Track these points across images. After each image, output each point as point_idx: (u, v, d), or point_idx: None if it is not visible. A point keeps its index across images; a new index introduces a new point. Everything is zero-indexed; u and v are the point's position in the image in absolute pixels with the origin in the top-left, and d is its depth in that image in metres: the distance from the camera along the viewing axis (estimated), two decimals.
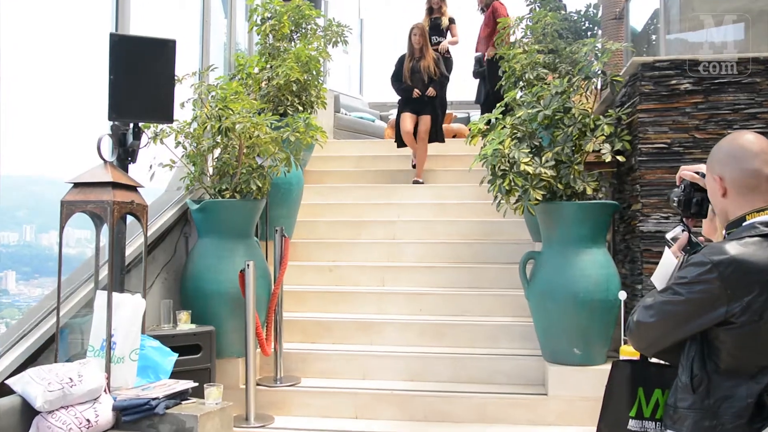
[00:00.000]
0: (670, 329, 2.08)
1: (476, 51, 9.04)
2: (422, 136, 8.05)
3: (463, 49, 9.49)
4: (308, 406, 5.24)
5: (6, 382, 3.64)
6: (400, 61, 8.32)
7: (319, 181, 8.05)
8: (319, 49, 7.46)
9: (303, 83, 7.10)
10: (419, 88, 8.09)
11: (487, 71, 8.82)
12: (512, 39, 7.01)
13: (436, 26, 9.00)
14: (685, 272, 2.04)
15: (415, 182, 7.99)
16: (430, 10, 9.13)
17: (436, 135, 8.21)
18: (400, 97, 8.36)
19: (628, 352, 4.42)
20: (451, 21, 9.12)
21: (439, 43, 8.89)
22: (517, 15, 7.20)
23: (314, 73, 7.25)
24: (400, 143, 8.24)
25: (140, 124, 4.69)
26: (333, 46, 7.98)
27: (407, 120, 8.13)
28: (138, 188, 4.46)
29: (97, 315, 4.10)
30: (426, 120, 8.10)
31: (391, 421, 5.09)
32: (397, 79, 8.31)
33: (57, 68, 4.84)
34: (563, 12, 7.62)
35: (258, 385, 5.27)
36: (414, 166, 8.23)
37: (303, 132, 6.02)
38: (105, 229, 4.25)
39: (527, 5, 7.79)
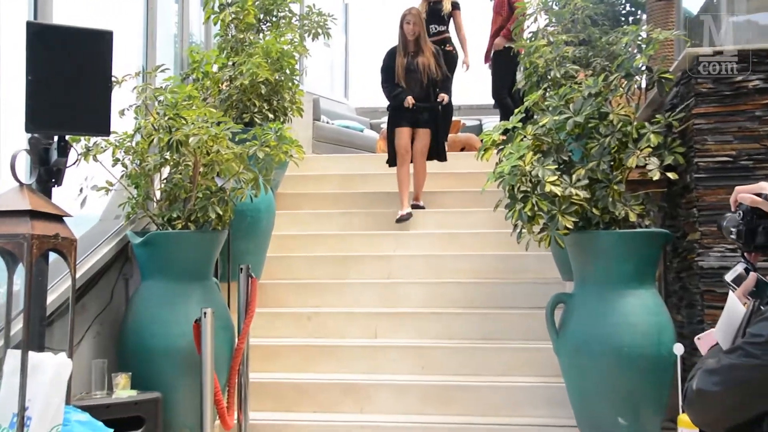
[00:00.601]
0: (742, 402, 2.01)
1: (488, 48, 9.09)
2: (419, 154, 7.90)
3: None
4: None
5: None
6: (391, 56, 8.09)
7: (295, 207, 8.07)
8: (294, 43, 7.49)
9: (274, 84, 7.14)
10: (415, 93, 7.87)
11: (493, 65, 8.91)
12: (533, 28, 7.00)
13: (435, 13, 9.11)
14: (760, 328, 1.98)
15: (414, 207, 7.80)
16: None
17: (438, 152, 8.06)
18: (390, 104, 8.14)
19: (688, 423, 4.34)
20: (455, 6, 9.24)
21: (439, 33, 8.90)
22: None
23: (288, 72, 7.31)
24: (394, 162, 7.97)
25: (67, 137, 4.63)
26: (313, 39, 8.02)
27: (404, 135, 7.92)
28: (64, 218, 4.40)
29: (6, 381, 4.01)
30: (424, 135, 7.92)
31: None
32: (388, 79, 8.07)
33: None
34: None
35: None
36: (401, 218, 7.62)
37: (274, 146, 6.01)
38: (20, 270, 4.19)
39: None
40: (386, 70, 8.08)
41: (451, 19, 9.17)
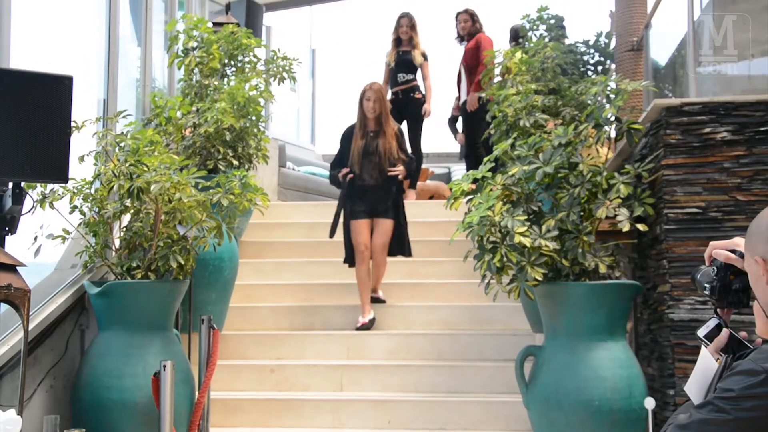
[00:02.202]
0: None
1: (458, 94, 9.19)
2: (379, 250, 7.00)
3: (440, 90, 9.60)
4: None
5: None
6: (346, 137, 7.26)
7: (259, 256, 8.03)
8: (259, 89, 7.48)
9: (239, 131, 7.17)
10: (373, 178, 7.02)
11: (464, 117, 9.00)
12: (499, 78, 7.08)
13: (405, 62, 9.15)
14: (731, 383, 1.98)
15: (374, 300, 7.08)
16: (398, 42, 9.29)
17: (401, 248, 7.20)
18: (339, 190, 7.21)
19: None
20: (425, 57, 9.26)
21: (408, 81, 8.95)
22: (508, 47, 7.28)
23: (253, 118, 7.33)
24: (352, 261, 7.09)
25: (23, 184, 4.62)
26: (278, 83, 8.03)
27: (363, 230, 7.01)
28: (18, 267, 4.37)
29: None
30: (385, 226, 7.02)
31: None
32: (337, 162, 7.31)
33: None
34: (566, 42, 7.72)
35: None
36: (362, 326, 6.88)
37: (238, 193, 5.99)
38: None
39: (520, 34, 7.90)
40: (340, 151, 7.32)
41: (420, 69, 9.22)
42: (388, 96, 8.95)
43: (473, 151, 9.28)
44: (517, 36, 8.79)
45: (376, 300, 7.08)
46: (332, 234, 7.17)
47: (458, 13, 9.39)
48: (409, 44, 9.23)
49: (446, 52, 9.77)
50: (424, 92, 9.28)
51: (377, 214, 7.01)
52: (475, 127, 9.16)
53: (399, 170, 6.98)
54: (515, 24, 9.14)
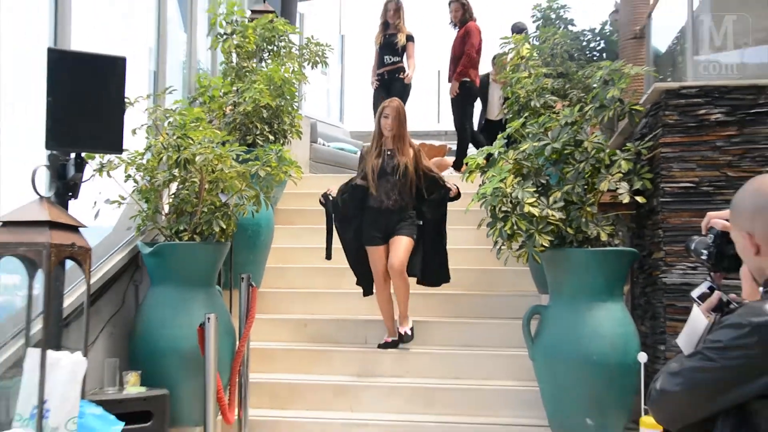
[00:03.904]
0: (700, 401, 2.06)
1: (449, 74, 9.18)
2: (398, 270, 6.00)
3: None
4: None
5: None
6: (363, 157, 6.46)
7: (293, 222, 8.08)
8: (294, 71, 7.49)
9: (275, 109, 7.17)
10: (389, 200, 6.14)
11: (452, 99, 9.04)
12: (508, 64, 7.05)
13: (390, 45, 9.07)
14: (720, 335, 2.02)
15: (401, 338, 6.17)
16: (385, 25, 9.19)
17: (438, 275, 6.26)
18: (337, 213, 6.33)
19: (650, 423, 4.39)
20: (410, 39, 9.14)
21: (394, 63, 8.95)
22: (503, 36, 7.25)
23: (288, 98, 7.32)
24: (368, 289, 6.31)
25: (83, 154, 4.64)
26: (312, 67, 8.03)
27: (380, 257, 6.13)
28: (80, 228, 4.40)
29: (27, 377, 4.02)
30: (400, 244, 6.04)
31: None
32: (352, 182, 6.40)
33: None
34: (573, 29, 7.71)
35: None
36: (386, 344, 6.24)
37: (275, 166, 6.03)
38: (39, 276, 4.19)
39: (533, 21, 7.89)
40: (360, 169, 6.44)
41: (405, 53, 9.15)
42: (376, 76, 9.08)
43: (461, 132, 9.32)
44: (519, 31, 8.82)
45: (403, 338, 6.15)
46: (329, 255, 6.38)
47: (450, 2, 9.30)
48: (396, 27, 9.11)
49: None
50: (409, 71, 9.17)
51: (391, 232, 6.12)
52: (461, 111, 9.24)
53: (453, 189, 6.13)
54: (516, 22, 9.24)
